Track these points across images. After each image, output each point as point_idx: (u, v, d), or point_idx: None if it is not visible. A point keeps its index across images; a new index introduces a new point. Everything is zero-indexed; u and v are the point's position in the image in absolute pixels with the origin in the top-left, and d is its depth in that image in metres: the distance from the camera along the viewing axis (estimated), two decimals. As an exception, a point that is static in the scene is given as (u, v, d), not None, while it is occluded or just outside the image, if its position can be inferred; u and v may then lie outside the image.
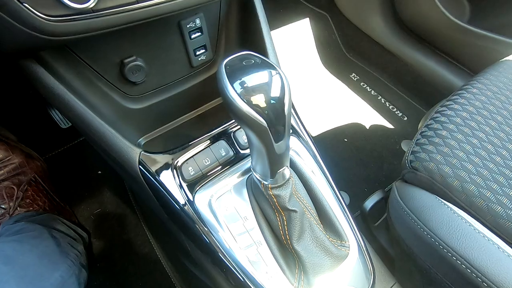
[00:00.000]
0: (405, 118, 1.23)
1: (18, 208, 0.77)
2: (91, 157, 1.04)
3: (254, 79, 0.32)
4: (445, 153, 0.53)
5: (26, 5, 0.33)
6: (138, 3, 0.40)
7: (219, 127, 0.56)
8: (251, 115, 0.31)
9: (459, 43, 1.07)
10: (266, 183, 0.42)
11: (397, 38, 1.27)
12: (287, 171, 0.41)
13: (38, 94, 0.48)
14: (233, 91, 0.31)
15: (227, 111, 0.33)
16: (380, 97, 1.31)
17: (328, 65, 1.44)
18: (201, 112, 0.70)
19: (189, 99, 0.67)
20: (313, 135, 1.17)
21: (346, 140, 1.15)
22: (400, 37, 1.26)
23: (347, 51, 1.47)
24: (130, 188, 1.00)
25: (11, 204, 0.76)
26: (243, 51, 0.35)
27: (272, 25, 1.45)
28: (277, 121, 0.33)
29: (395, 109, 1.26)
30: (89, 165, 1.04)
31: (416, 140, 0.57)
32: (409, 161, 0.56)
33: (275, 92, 0.32)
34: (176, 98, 0.64)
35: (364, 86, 1.35)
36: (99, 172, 1.04)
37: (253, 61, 0.33)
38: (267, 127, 0.32)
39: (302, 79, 1.38)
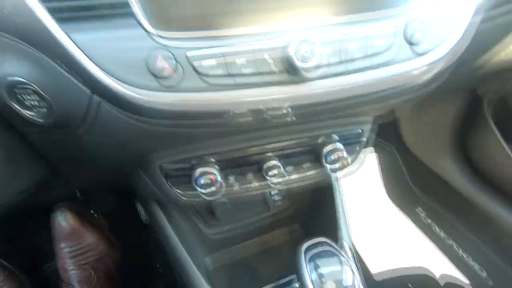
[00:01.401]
0: (490, 283, 1.07)
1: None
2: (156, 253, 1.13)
3: (328, 270, 0.37)
4: None
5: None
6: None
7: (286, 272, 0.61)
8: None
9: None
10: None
11: (472, 185, 1.23)
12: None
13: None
14: (309, 280, 0.36)
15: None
16: (452, 242, 1.21)
17: (392, 196, 1.43)
18: (268, 240, 0.76)
19: (258, 227, 0.75)
20: (372, 272, 1.11)
21: (410, 286, 1.06)
22: (475, 184, 1.23)
23: (414, 185, 1.46)
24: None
25: (85, 288, 0.85)
26: (320, 236, 0.41)
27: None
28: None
29: (475, 265, 1.12)
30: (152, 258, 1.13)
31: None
32: None
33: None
34: (246, 227, 0.72)
35: (432, 226, 1.28)
36: (158, 266, 1.12)
37: (330, 251, 0.39)
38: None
39: (364, 209, 1.38)
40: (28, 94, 0.42)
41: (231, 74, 0.39)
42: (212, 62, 0.38)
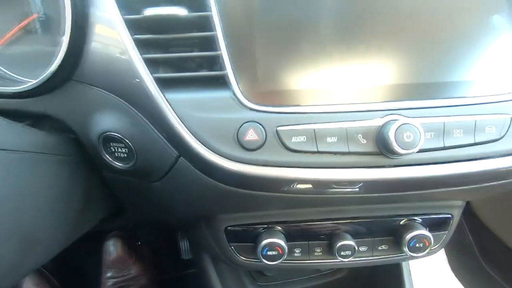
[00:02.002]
0: None
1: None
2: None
3: None
4: None
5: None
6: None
7: None
8: None
9: None
10: None
11: None
12: None
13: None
14: None
15: None
16: None
17: (460, 275, 1.23)
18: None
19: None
20: None
21: None
22: None
23: (485, 263, 1.24)
24: None
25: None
26: None
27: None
28: None
29: None
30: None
31: None
32: None
33: None
34: None
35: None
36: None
37: None
38: None
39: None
40: (119, 148, 0.44)
41: (320, 152, 0.37)
42: (302, 138, 0.37)
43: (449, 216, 0.51)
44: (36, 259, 0.40)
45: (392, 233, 0.51)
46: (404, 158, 0.37)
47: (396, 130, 0.35)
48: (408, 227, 0.49)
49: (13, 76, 0.46)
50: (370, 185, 0.40)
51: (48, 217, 0.41)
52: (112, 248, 0.95)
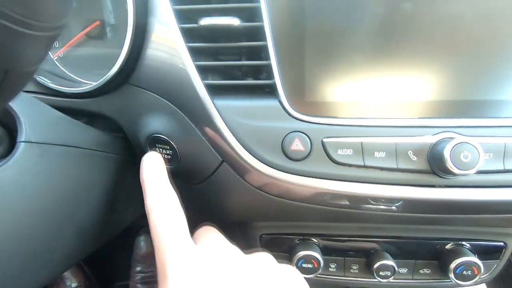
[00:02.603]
0: None
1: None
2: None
3: None
4: None
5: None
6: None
7: None
8: None
9: None
10: None
11: None
12: None
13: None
14: None
15: None
16: None
17: None
18: None
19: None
20: None
21: None
22: None
23: None
24: None
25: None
26: None
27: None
28: None
29: None
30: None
31: None
32: None
33: None
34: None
35: None
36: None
37: None
38: None
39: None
40: (165, 149, 0.46)
41: (367, 166, 0.36)
42: (348, 151, 0.36)
43: (502, 244, 0.47)
44: (87, 248, 0.43)
45: (436, 257, 0.48)
46: (459, 179, 0.35)
47: (452, 148, 0.33)
48: (455, 252, 0.46)
49: (73, 77, 0.50)
50: (415, 205, 0.38)
51: (98, 210, 0.43)
52: (143, 244, 1.00)
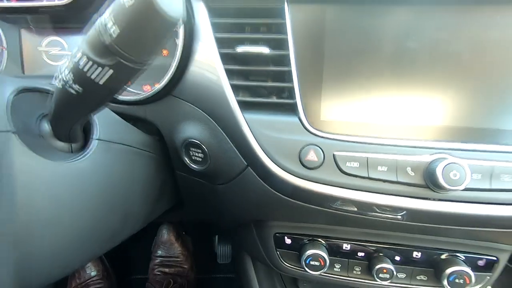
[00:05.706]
0: None
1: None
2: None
3: None
4: None
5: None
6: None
7: None
8: None
9: None
10: None
11: None
12: None
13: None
14: None
15: None
16: None
17: None
18: None
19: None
20: None
21: None
22: None
23: None
24: None
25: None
26: None
27: None
28: None
29: None
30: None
31: None
32: None
33: None
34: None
35: None
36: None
37: None
38: None
39: None
40: (197, 153, 0.54)
41: (371, 178, 0.42)
42: (355, 164, 0.42)
43: (495, 259, 0.52)
44: (127, 231, 0.51)
45: (433, 266, 0.53)
46: (450, 194, 0.41)
47: (444, 167, 0.39)
48: (450, 262, 0.51)
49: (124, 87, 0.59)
50: (413, 214, 0.44)
51: (139, 200, 0.51)
52: (165, 231, 1.17)
